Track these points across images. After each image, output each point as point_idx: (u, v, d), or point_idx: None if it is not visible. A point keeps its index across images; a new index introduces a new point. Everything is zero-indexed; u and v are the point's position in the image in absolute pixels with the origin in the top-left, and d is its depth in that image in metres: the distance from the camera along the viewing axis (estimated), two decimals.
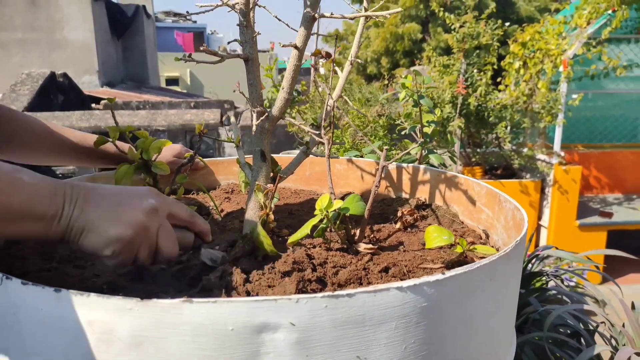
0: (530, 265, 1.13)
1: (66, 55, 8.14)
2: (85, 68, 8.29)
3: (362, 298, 0.45)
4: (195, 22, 22.58)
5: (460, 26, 3.35)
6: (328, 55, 1.04)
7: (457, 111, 3.05)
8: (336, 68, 0.93)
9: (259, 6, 0.81)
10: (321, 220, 0.71)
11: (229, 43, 0.83)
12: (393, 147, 1.85)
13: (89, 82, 8.23)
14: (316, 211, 0.72)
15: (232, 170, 1.21)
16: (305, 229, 0.71)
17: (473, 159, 3.71)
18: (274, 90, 1.80)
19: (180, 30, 20.89)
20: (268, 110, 0.79)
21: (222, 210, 1.02)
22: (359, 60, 0.88)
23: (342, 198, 0.80)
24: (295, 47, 0.77)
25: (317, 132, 0.81)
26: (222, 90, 15.62)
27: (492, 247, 0.81)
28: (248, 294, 0.59)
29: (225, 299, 0.43)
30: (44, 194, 0.53)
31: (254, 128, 0.75)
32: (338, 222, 0.74)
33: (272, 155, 0.94)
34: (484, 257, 0.74)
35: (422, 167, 1.00)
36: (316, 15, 0.78)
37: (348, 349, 0.46)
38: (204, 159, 1.16)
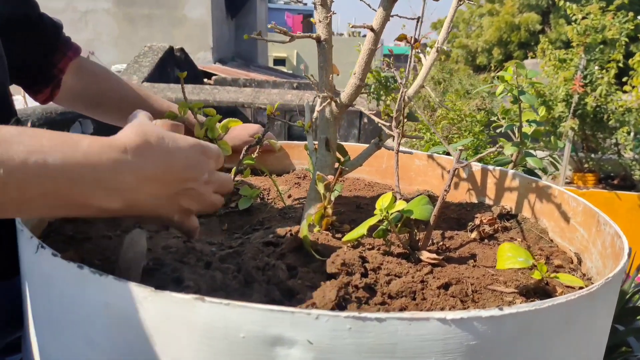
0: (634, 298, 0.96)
1: (185, 32, 8.68)
2: (201, 44, 8.79)
3: (394, 324, 0.38)
4: (305, 4, 22.94)
5: (583, 17, 2.99)
6: (415, 41, 0.95)
7: (571, 111, 2.74)
8: (421, 55, 0.85)
9: None
10: (381, 221, 0.65)
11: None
12: (489, 145, 1.70)
13: (203, 58, 8.72)
14: (376, 210, 0.66)
15: (307, 154, 1.17)
16: (362, 229, 0.64)
17: (586, 165, 3.34)
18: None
19: (291, 12, 21.37)
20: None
21: (289, 196, 0.98)
22: (446, 48, 0.79)
23: (411, 198, 0.72)
24: (372, 29, 0.70)
25: (388, 125, 0.74)
26: None
27: (584, 275, 0.68)
28: (288, 291, 0.54)
29: (239, 302, 0.39)
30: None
31: (317, 114, 0.70)
32: (400, 224, 0.67)
33: (345, 144, 0.89)
34: (568, 287, 0.63)
35: (510, 172, 0.89)
36: None
37: None
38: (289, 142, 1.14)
